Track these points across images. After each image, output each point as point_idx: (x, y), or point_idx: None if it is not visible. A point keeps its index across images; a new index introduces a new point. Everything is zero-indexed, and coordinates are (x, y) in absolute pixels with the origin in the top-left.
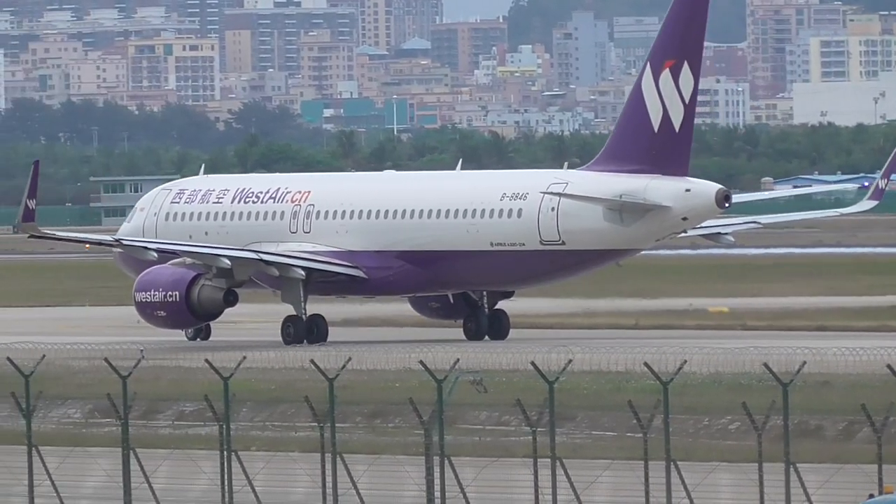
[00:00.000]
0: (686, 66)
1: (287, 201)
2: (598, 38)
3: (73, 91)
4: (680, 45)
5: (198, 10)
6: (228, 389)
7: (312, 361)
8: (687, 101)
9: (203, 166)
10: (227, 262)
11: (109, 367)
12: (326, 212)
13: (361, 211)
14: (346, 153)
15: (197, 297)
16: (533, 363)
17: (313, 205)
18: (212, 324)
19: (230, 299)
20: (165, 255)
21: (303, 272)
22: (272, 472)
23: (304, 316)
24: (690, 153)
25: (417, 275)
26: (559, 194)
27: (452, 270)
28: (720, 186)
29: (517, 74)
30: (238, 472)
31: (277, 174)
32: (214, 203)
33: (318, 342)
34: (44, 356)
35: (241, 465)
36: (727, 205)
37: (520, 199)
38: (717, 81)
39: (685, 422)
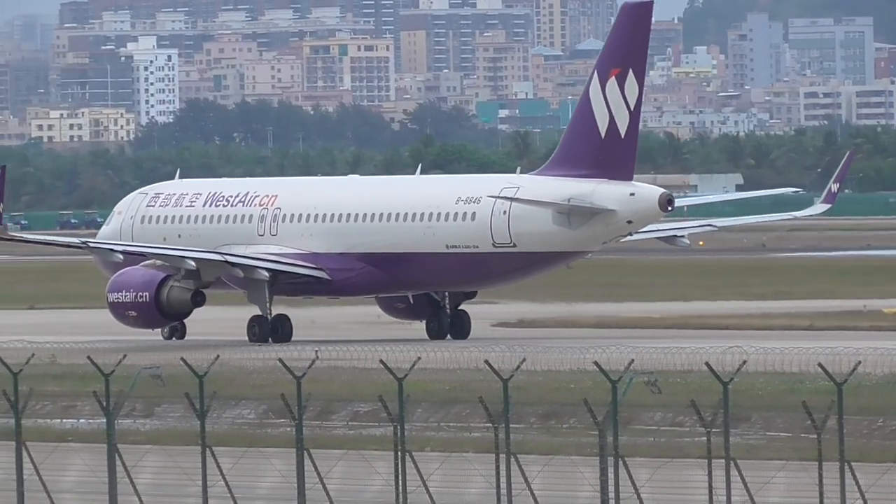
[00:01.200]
0: (631, 74)
1: (255, 205)
2: (772, 39)
3: (248, 91)
4: (625, 54)
5: (373, 10)
6: (403, 390)
7: (487, 362)
8: (632, 108)
9: (178, 171)
10: (193, 264)
11: (284, 367)
12: (292, 215)
13: (325, 214)
14: (520, 154)
15: (166, 297)
16: (707, 364)
17: (280, 208)
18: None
19: (198, 300)
20: (133, 256)
21: (267, 273)
22: (446, 472)
23: (268, 316)
24: (635, 158)
25: (378, 276)
26: (510, 198)
27: (411, 271)
28: (663, 190)
29: (692, 75)
30: (412, 473)
31: (248, 178)
32: (187, 207)
33: (281, 342)
34: (217, 356)
35: (416, 465)
36: (670, 208)
37: (473, 202)
38: (892, 83)
39: (859, 423)
